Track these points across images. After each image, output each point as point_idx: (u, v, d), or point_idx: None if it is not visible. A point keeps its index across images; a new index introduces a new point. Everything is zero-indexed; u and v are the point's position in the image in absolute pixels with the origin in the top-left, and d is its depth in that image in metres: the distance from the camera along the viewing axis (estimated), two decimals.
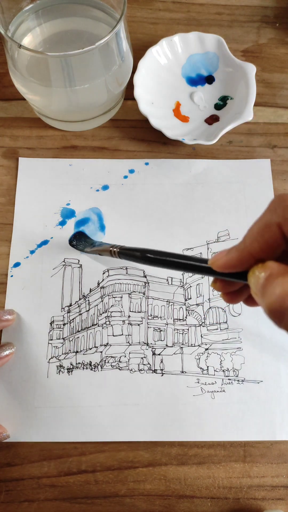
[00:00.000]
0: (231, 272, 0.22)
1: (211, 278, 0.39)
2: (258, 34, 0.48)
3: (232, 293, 0.26)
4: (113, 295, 0.38)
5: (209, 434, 0.34)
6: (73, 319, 0.37)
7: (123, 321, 0.37)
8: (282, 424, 0.35)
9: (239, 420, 0.35)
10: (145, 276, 0.38)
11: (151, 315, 0.38)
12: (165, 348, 0.37)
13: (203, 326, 0.37)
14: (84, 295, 0.38)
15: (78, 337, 0.37)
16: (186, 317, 0.38)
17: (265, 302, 0.19)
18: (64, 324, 0.37)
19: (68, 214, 0.40)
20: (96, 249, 0.37)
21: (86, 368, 0.36)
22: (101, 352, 0.36)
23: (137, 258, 0.30)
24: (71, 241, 0.38)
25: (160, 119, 0.42)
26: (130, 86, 0.41)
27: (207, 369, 0.36)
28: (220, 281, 0.25)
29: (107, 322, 0.37)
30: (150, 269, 0.38)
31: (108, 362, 0.36)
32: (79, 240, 0.38)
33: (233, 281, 0.24)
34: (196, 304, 0.38)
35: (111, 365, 0.36)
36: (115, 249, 0.33)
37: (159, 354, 0.36)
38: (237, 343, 0.37)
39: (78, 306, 0.38)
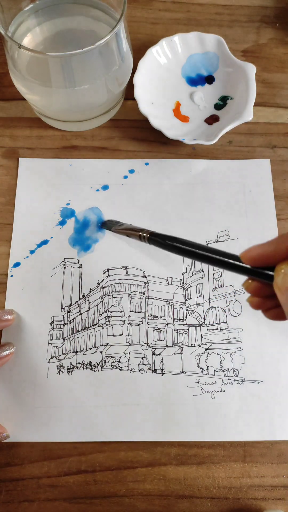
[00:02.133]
0: (261, 266, 0.21)
1: (212, 281, 0.39)
2: (258, 34, 0.48)
3: (264, 299, 0.24)
4: (113, 295, 0.38)
5: (209, 434, 0.34)
6: (73, 319, 0.37)
7: (123, 321, 0.37)
8: (282, 424, 0.34)
9: (239, 420, 0.35)
10: (145, 276, 0.38)
11: (151, 315, 0.38)
12: (165, 348, 0.37)
13: (203, 326, 0.37)
14: (84, 295, 0.38)
15: (78, 337, 0.37)
16: (186, 317, 0.38)
17: (285, 308, 0.18)
18: (64, 324, 0.37)
19: (68, 214, 0.40)
20: (125, 229, 0.37)
21: (86, 368, 0.36)
22: (101, 352, 0.36)
23: (166, 246, 0.30)
24: (102, 224, 0.39)
25: (160, 119, 0.42)
26: (130, 86, 0.41)
27: (207, 369, 0.36)
28: (254, 281, 0.23)
29: (107, 322, 0.37)
30: (150, 269, 0.39)
31: (108, 362, 0.36)
32: (109, 223, 0.39)
33: (259, 280, 0.22)
34: (196, 304, 0.38)
35: (111, 365, 0.36)
36: (144, 234, 0.33)
37: (159, 354, 0.36)
38: (237, 343, 0.37)
39: (78, 306, 0.38)
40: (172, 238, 0.29)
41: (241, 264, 0.22)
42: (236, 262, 0.22)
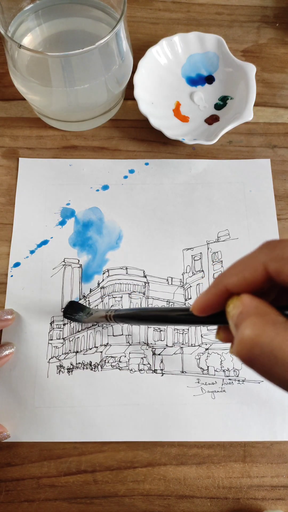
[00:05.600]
0: (213, 313, 0.20)
1: (212, 280, 0.39)
2: (258, 34, 0.48)
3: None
4: (113, 295, 0.38)
5: (209, 434, 0.34)
6: None
7: None
8: (282, 424, 0.34)
9: (239, 420, 0.35)
10: (145, 276, 0.38)
11: None
12: (165, 348, 0.37)
13: (203, 326, 0.37)
14: (84, 295, 0.38)
15: (78, 337, 0.37)
16: None
17: (234, 343, 0.17)
18: (64, 324, 0.37)
19: (68, 214, 0.40)
20: (93, 317, 0.34)
21: (86, 368, 0.36)
22: (101, 352, 0.36)
23: (131, 319, 0.30)
24: (65, 313, 0.36)
25: (160, 119, 0.42)
26: (130, 86, 0.41)
27: (207, 369, 0.36)
28: (222, 330, 0.23)
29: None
30: (150, 269, 0.39)
31: (108, 362, 0.36)
32: (74, 310, 0.36)
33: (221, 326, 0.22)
34: None
35: (111, 365, 0.36)
36: (110, 313, 0.32)
37: (159, 354, 0.36)
38: None
39: None
40: (134, 311, 0.30)
41: (201, 317, 0.21)
42: (196, 316, 0.21)
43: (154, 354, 0.36)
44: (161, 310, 0.28)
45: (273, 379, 0.17)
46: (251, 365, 0.17)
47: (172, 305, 0.38)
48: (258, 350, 0.16)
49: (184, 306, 0.24)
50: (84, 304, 0.37)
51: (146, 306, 0.38)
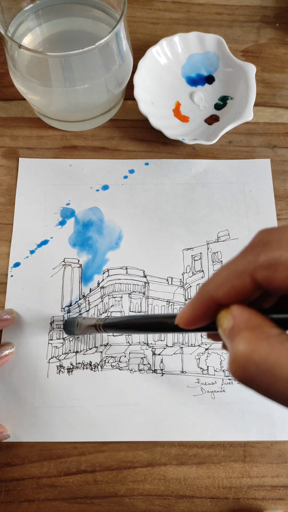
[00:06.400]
0: (201, 326, 0.19)
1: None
2: (258, 34, 0.48)
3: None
4: (113, 295, 0.38)
5: (209, 434, 0.34)
6: None
7: None
8: (282, 424, 0.34)
9: (239, 420, 0.35)
10: (145, 276, 0.38)
11: None
12: (165, 348, 0.37)
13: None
14: (84, 295, 0.38)
15: (78, 337, 0.37)
16: None
17: (228, 361, 0.16)
18: None
19: (68, 214, 0.40)
20: (84, 328, 0.34)
21: (86, 368, 0.36)
22: (101, 352, 0.36)
23: (120, 328, 0.29)
24: (68, 328, 0.35)
25: (160, 119, 0.42)
26: (130, 86, 0.41)
27: (207, 369, 0.36)
28: (213, 334, 0.22)
29: None
30: (150, 269, 0.39)
31: (108, 362, 0.36)
32: (69, 324, 0.35)
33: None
34: None
35: (111, 365, 0.36)
36: (99, 322, 0.31)
37: (159, 354, 0.36)
38: None
39: (78, 306, 0.38)
40: (124, 320, 0.29)
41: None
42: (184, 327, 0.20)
43: (154, 354, 0.36)
44: (152, 318, 0.27)
45: (273, 397, 0.16)
46: (249, 385, 0.16)
47: (172, 305, 0.38)
48: (254, 368, 0.15)
49: (173, 313, 0.23)
50: (84, 305, 0.37)
51: (145, 310, 0.38)
